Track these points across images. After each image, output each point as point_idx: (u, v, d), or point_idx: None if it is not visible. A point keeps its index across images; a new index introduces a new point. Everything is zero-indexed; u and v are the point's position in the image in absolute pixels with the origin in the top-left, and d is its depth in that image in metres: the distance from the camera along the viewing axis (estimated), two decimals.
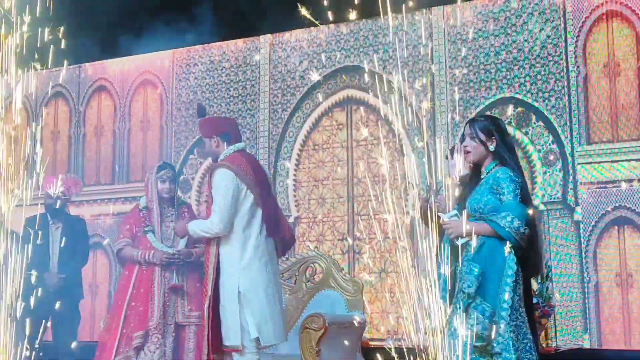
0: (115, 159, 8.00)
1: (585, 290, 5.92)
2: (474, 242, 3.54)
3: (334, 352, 4.79)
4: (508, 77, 6.39)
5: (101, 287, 7.85)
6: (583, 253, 5.96)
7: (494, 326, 3.38)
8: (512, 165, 3.57)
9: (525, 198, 3.54)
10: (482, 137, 3.62)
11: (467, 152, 3.66)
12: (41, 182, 7.69)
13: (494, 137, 3.60)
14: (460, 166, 3.67)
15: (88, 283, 7.46)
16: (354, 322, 5.03)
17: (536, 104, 6.21)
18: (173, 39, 7.66)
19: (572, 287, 5.95)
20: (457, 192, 3.71)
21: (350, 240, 6.78)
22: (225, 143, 4.24)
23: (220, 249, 4.09)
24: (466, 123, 3.76)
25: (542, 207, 6.09)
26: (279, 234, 4.34)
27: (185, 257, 4.60)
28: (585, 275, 5.93)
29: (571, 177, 6.06)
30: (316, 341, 4.65)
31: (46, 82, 8.44)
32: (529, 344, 3.44)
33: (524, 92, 6.29)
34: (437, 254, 3.70)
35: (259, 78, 7.42)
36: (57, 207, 6.12)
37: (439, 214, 3.66)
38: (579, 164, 6.04)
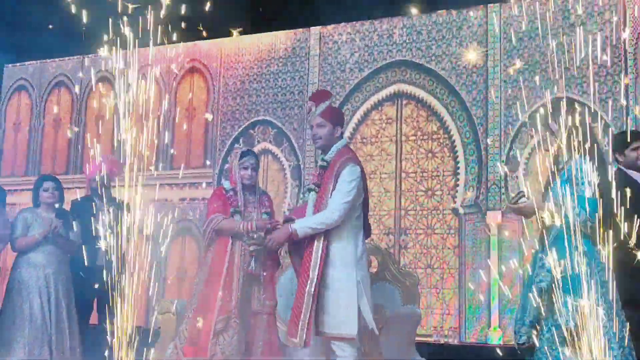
0: (160, 146, 8.01)
1: None
2: (552, 234, 3.55)
3: (392, 344, 4.78)
4: (565, 76, 6.35)
5: (141, 272, 7.85)
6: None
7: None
8: (589, 155, 3.55)
9: (604, 188, 3.50)
10: (554, 127, 3.62)
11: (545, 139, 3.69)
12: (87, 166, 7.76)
13: (565, 126, 3.60)
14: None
15: None
16: (411, 315, 5.02)
17: (593, 105, 6.17)
18: (220, 28, 7.68)
19: None
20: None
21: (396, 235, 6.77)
22: (340, 137, 4.28)
23: (332, 242, 4.11)
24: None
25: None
26: (370, 236, 4.46)
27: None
28: None
29: None
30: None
31: (90, 65, 8.48)
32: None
33: (580, 93, 6.25)
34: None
35: (308, 70, 7.41)
36: (103, 188, 6.14)
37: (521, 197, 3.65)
38: None
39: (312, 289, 4.03)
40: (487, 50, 6.61)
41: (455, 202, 6.63)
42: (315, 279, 4.03)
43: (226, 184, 4.72)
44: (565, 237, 3.48)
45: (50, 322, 5.43)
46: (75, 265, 5.83)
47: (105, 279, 5.96)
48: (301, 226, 4.07)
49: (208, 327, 4.42)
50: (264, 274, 4.53)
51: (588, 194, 3.44)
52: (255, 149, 7.57)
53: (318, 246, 4.08)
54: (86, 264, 5.94)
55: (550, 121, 3.68)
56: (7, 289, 5.55)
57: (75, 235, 5.64)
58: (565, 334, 3.40)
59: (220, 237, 4.61)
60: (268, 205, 4.70)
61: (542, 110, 3.76)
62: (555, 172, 3.73)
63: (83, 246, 5.93)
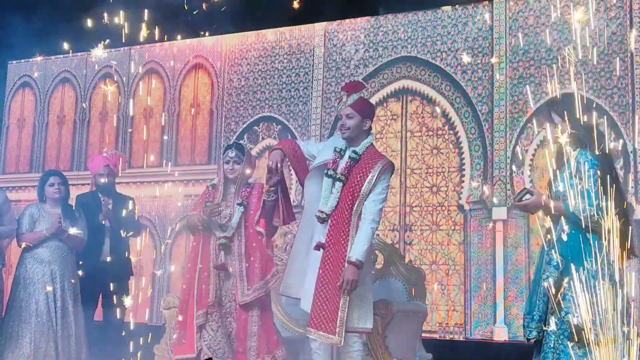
0: (163, 141, 8.01)
1: None
2: (558, 230, 3.54)
3: (398, 340, 4.78)
4: (570, 72, 6.34)
5: (145, 268, 7.86)
6: None
7: (588, 315, 3.35)
8: (592, 147, 3.53)
9: (608, 181, 3.49)
10: (557, 119, 3.61)
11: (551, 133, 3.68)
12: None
13: (568, 119, 3.58)
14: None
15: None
16: (418, 310, 5.02)
17: (599, 101, 6.16)
18: (225, 24, 7.67)
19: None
20: None
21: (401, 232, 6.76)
22: (369, 131, 4.27)
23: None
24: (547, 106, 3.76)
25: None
26: None
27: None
28: None
29: (632, 176, 6.02)
30: (383, 327, 4.64)
31: (95, 62, 8.48)
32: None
33: (586, 89, 6.24)
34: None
35: (312, 66, 7.40)
36: (108, 182, 6.13)
37: (525, 194, 3.63)
38: None
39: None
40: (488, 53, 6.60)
41: (460, 199, 6.63)
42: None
43: (215, 181, 4.74)
44: (567, 231, 3.49)
45: (56, 318, 5.43)
46: (79, 260, 5.84)
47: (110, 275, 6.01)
48: (359, 252, 4.05)
49: (190, 323, 4.45)
50: (246, 265, 4.51)
51: (593, 188, 3.43)
52: (260, 145, 7.57)
53: (345, 245, 4.08)
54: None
55: (553, 114, 3.66)
56: (13, 285, 5.55)
57: (81, 230, 5.64)
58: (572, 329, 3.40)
59: (196, 234, 4.66)
60: (245, 196, 4.67)
61: (548, 104, 3.76)
62: (559, 168, 3.73)
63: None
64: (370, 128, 4.30)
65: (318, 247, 4.17)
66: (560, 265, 3.44)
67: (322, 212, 4.18)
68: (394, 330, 4.73)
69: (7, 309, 5.49)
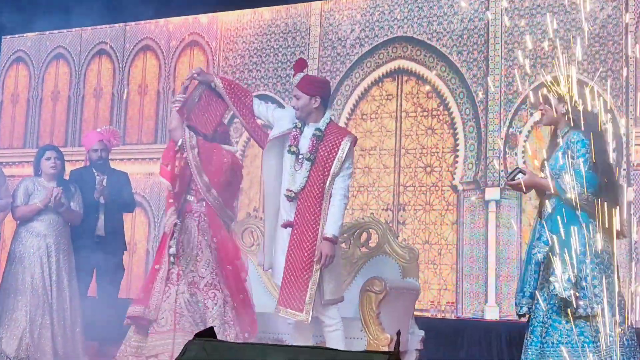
0: (158, 118, 8.01)
1: (633, 269, 5.95)
2: (548, 208, 3.60)
3: (392, 316, 4.82)
4: (565, 55, 6.36)
5: (139, 245, 7.89)
6: (633, 234, 5.98)
7: (576, 290, 3.41)
8: (585, 127, 3.58)
9: (600, 162, 3.53)
10: (553, 101, 3.66)
11: (542, 115, 3.73)
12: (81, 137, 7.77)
13: (565, 100, 3.63)
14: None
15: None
16: (411, 288, 5.08)
17: (592, 83, 6.19)
18: (221, 1, 7.67)
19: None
20: None
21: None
22: (322, 107, 4.29)
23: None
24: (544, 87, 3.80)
25: None
26: None
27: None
28: (633, 255, 5.95)
29: (625, 158, 6.07)
30: (377, 304, 4.68)
31: (91, 40, 8.46)
32: (622, 302, 3.47)
33: (581, 71, 6.27)
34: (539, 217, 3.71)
35: (308, 45, 7.41)
36: (102, 158, 6.16)
37: (517, 174, 3.68)
38: (634, 145, 6.05)
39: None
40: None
41: (454, 179, 6.67)
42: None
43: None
44: (562, 209, 3.54)
45: (51, 292, 5.46)
46: (74, 234, 5.86)
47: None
48: (334, 229, 4.18)
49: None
50: (199, 252, 4.53)
51: (584, 167, 3.48)
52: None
53: (316, 223, 4.15)
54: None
55: (549, 94, 3.70)
56: (8, 258, 5.57)
57: (77, 205, 5.66)
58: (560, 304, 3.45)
59: None
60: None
61: (546, 85, 3.79)
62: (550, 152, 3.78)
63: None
64: (323, 104, 4.30)
65: (286, 225, 4.24)
66: (550, 242, 3.49)
67: (290, 190, 4.23)
68: (387, 307, 4.77)
69: (2, 282, 5.52)
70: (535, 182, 3.63)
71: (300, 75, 4.34)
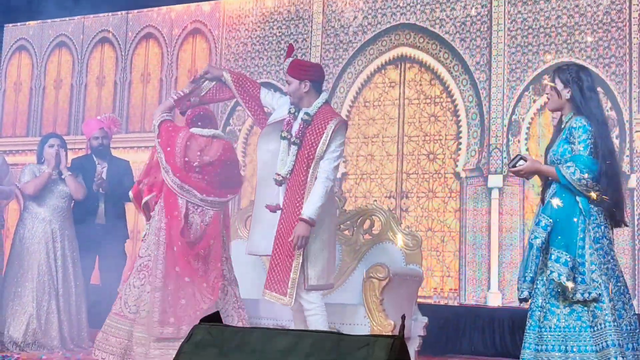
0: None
1: (636, 257, 5.96)
2: (549, 194, 3.61)
3: (395, 303, 4.85)
4: (568, 41, 6.37)
5: (142, 233, 7.89)
6: (635, 220, 5.98)
7: (574, 274, 3.43)
8: (588, 114, 3.58)
9: (601, 148, 3.54)
10: (559, 85, 3.66)
11: (547, 99, 3.74)
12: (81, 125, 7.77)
13: (569, 86, 3.63)
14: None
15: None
16: (414, 275, 5.10)
17: (596, 70, 6.19)
18: None
19: (621, 253, 5.99)
20: None
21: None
22: (314, 91, 4.29)
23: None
24: (553, 71, 3.80)
25: None
26: None
27: None
28: (636, 242, 5.96)
29: (628, 145, 6.07)
30: (380, 290, 4.70)
31: (93, 28, 8.45)
32: (622, 287, 3.49)
33: (584, 58, 6.27)
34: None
35: (311, 32, 7.40)
36: (103, 145, 6.17)
37: (518, 160, 3.70)
38: (636, 131, 6.04)
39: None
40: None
41: (457, 166, 6.67)
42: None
43: None
44: (560, 193, 3.55)
45: (57, 277, 5.50)
46: (76, 222, 5.88)
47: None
48: (311, 211, 4.14)
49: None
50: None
51: (584, 152, 3.49)
52: None
53: (301, 206, 4.16)
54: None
55: (557, 80, 3.71)
56: (12, 244, 5.61)
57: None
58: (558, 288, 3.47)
59: None
60: None
61: (554, 70, 3.79)
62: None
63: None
64: (315, 88, 4.31)
65: (274, 209, 4.27)
66: (549, 227, 3.51)
67: (278, 174, 4.28)
68: (390, 294, 4.80)
69: (8, 268, 5.55)
70: (536, 168, 3.65)
71: (289, 59, 4.37)
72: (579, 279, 3.43)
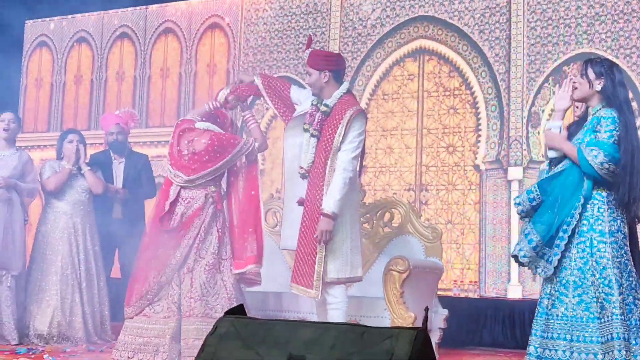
0: (180, 101, 8.06)
1: None
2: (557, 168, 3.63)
3: (415, 296, 4.85)
4: (588, 32, 6.33)
5: None
6: None
7: (538, 256, 3.47)
8: (618, 107, 3.56)
9: (625, 142, 3.52)
10: (591, 76, 3.64)
11: (574, 88, 3.70)
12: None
13: (603, 78, 3.61)
14: (560, 97, 3.72)
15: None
16: (434, 267, 5.10)
17: (617, 61, 6.14)
18: None
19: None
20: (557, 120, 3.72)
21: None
22: (334, 81, 4.27)
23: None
24: (583, 62, 3.78)
25: None
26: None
27: None
28: None
29: None
30: (400, 283, 4.71)
31: (113, 23, 8.50)
32: (634, 282, 3.47)
33: (605, 49, 6.23)
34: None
35: (329, 25, 7.40)
36: (118, 140, 6.21)
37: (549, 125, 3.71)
38: None
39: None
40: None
41: (477, 159, 6.66)
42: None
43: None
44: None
45: (79, 270, 5.55)
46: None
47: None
48: (332, 203, 4.12)
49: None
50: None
51: (609, 140, 3.47)
52: None
53: (321, 199, 4.16)
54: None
55: (589, 71, 3.68)
56: (35, 239, 5.67)
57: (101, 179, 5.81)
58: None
59: None
60: None
61: (585, 61, 3.76)
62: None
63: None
64: (336, 78, 4.28)
65: (300, 202, 4.27)
66: (533, 202, 3.55)
67: (301, 168, 4.27)
68: (411, 286, 4.80)
69: (31, 262, 5.61)
70: (560, 141, 3.62)
71: (309, 50, 4.38)
72: (547, 256, 3.48)
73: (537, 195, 3.56)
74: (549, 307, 3.50)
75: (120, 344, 4.55)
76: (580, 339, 3.41)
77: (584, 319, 3.41)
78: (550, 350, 3.47)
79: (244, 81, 4.82)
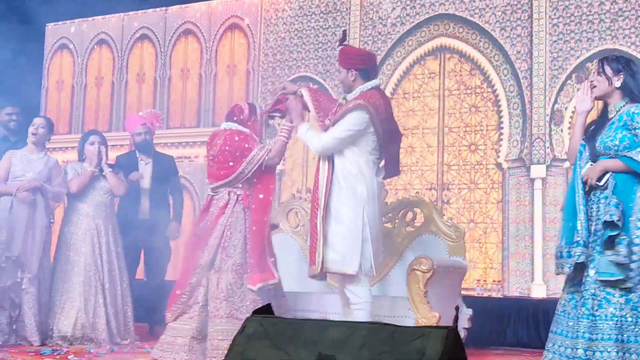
0: (200, 102, 8.07)
1: None
2: (610, 180, 3.54)
3: (439, 295, 4.82)
4: (612, 28, 6.26)
5: (185, 230, 7.96)
6: None
7: (632, 257, 3.39)
8: None
9: None
10: (609, 72, 3.59)
11: (593, 87, 3.64)
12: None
13: (621, 74, 3.56)
14: (580, 99, 3.65)
15: None
16: (458, 267, 5.06)
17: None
18: None
19: None
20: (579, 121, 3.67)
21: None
22: (362, 79, 4.27)
23: (340, 179, 4.23)
24: (598, 60, 3.73)
25: None
26: (397, 174, 4.52)
27: None
28: None
29: None
30: (424, 282, 4.68)
31: (133, 25, 8.53)
32: None
33: (629, 45, 6.15)
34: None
35: (349, 25, 7.37)
36: (147, 140, 6.24)
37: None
38: None
39: (320, 220, 4.16)
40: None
41: (499, 157, 6.61)
42: (322, 211, 4.16)
43: None
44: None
45: (102, 272, 5.57)
46: (120, 218, 5.96)
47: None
48: (305, 128, 4.34)
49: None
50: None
51: None
52: None
53: (323, 179, 4.17)
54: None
55: (606, 67, 3.63)
56: (58, 241, 5.69)
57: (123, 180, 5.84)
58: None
59: None
60: None
61: (603, 59, 3.71)
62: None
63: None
64: (363, 76, 4.26)
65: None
66: (619, 207, 3.46)
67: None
68: (434, 286, 4.77)
69: (55, 264, 5.64)
70: (602, 165, 3.55)
71: (338, 50, 4.39)
72: (571, 252, 3.45)
73: (618, 200, 3.49)
74: (595, 308, 3.43)
75: (159, 344, 4.66)
76: (631, 339, 3.35)
77: (633, 318, 3.37)
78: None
79: (286, 88, 4.74)
